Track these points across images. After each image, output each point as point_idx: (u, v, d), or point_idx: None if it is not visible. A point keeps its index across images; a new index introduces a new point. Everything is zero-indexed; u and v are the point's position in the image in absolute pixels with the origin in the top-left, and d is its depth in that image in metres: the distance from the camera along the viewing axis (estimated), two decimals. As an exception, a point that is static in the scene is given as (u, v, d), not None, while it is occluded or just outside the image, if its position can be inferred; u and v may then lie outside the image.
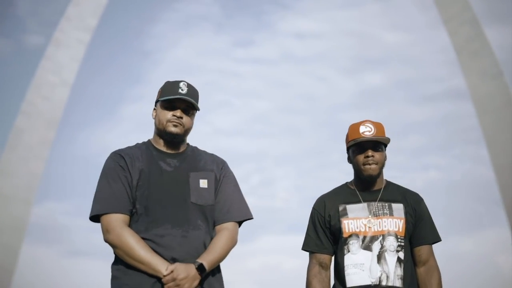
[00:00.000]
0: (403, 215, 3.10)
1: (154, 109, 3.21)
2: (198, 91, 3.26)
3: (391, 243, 3.06)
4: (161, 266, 2.86)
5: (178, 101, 3.11)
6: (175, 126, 3.09)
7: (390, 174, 3.31)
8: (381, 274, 3.02)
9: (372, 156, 3.13)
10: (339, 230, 3.12)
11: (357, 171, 3.18)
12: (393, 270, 3.02)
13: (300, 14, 31.82)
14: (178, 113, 3.11)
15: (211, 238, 3.04)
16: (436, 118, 30.20)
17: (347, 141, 3.21)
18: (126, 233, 2.92)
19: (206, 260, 2.94)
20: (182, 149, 3.18)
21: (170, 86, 3.17)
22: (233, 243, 3.09)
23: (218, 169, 3.18)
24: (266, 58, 32.43)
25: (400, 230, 3.08)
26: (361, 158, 3.14)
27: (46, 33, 17.84)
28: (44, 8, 23.76)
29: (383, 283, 3.01)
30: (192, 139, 3.28)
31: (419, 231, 3.14)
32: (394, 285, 3.01)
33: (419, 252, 3.13)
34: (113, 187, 3.00)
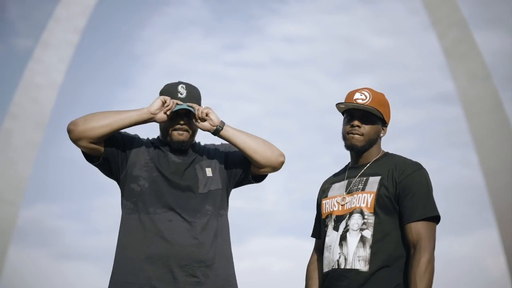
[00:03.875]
0: (375, 189, 2.70)
1: None
2: (198, 89, 3.23)
3: (355, 221, 2.69)
4: (143, 108, 2.99)
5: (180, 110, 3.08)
6: (180, 134, 3.08)
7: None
8: (339, 257, 2.68)
9: (358, 126, 2.80)
10: (320, 211, 2.91)
11: (343, 141, 2.87)
12: (353, 251, 2.65)
13: (289, 18, 31.88)
14: (182, 121, 3.08)
15: (218, 222, 3.00)
16: (425, 122, 30.32)
17: (337, 106, 2.89)
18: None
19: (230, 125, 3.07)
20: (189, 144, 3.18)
21: (169, 90, 3.14)
22: (271, 147, 3.08)
23: (220, 153, 3.17)
24: (255, 62, 32.45)
25: (369, 205, 2.68)
26: (347, 127, 2.83)
27: (35, 36, 17.76)
28: (34, 11, 23.66)
29: (341, 267, 2.67)
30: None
31: (404, 207, 2.68)
32: (353, 267, 2.63)
33: (405, 232, 2.67)
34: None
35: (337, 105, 2.88)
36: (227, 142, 3.13)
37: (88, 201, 29.84)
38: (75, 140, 2.94)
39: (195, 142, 3.22)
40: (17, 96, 16.63)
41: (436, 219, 2.70)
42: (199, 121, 3.05)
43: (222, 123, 3.05)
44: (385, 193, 2.70)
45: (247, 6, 32.16)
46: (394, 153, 2.92)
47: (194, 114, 3.08)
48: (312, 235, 3.03)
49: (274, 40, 31.98)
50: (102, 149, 3.00)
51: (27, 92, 16.77)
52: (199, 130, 3.13)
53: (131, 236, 2.94)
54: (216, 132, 3.04)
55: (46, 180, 26.73)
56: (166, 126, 3.10)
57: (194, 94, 3.17)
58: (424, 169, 2.78)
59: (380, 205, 2.69)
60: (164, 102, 3.01)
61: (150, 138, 3.21)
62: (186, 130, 3.08)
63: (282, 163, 3.08)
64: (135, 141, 3.13)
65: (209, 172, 3.07)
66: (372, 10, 30.01)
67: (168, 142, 3.11)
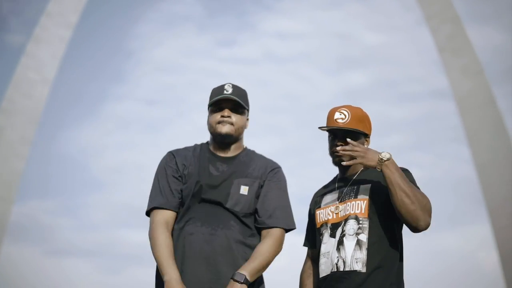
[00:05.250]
0: (367, 196, 2.88)
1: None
2: (245, 91, 3.27)
3: (351, 226, 2.86)
4: (169, 270, 2.89)
5: (224, 102, 3.13)
6: (223, 125, 3.11)
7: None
8: (338, 260, 2.84)
9: (341, 144, 2.94)
10: (314, 221, 3.05)
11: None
12: (350, 254, 2.81)
13: (282, 14, 31.85)
14: (226, 112, 3.12)
15: (245, 240, 3.02)
16: (418, 117, 30.39)
17: (321, 127, 3.06)
18: (159, 230, 3.01)
19: (248, 269, 2.91)
20: (236, 152, 3.19)
21: (216, 90, 3.20)
22: (278, 250, 3.05)
23: (265, 174, 3.15)
24: (248, 57, 32.41)
25: (363, 211, 2.86)
26: (331, 145, 3.01)
27: (28, 31, 17.69)
28: (26, 6, 23.54)
29: (340, 269, 2.82)
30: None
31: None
32: (352, 269, 2.80)
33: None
34: (161, 184, 3.10)
35: (320, 128, 3.04)
36: (276, 163, 3.23)
37: (81, 197, 29.81)
38: None
39: (249, 150, 3.24)
40: (9, 92, 16.56)
41: None
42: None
43: (246, 281, 2.89)
44: (377, 199, 2.87)
45: (240, 2, 32.14)
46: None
47: (240, 108, 3.14)
48: (304, 244, 3.18)
49: (268, 36, 31.98)
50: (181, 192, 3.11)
51: (20, 88, 16.70)
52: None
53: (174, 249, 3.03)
54: (248, 283, 2.93)
55: (39, 176, 26.68)
56: (211, 122, 3.15)
57: (240, 93, 3.20)
58: (410, 173, 2.95)
59: (373, 210, 2.86)
60: None
61: (198, 144, 3.24)
62: (230, 123, 3.11)
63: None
64: (179, 165, 3.14)
65: (244, 190, 3.07)
66: (366, 6, 30.04)
67: (213, 136, 3.16)
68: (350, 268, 2.80)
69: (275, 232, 3.05)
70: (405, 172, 2.89)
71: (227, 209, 3.02)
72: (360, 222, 2.85)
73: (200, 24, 31.69)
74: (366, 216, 2.85)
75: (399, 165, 2.86)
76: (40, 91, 16.94)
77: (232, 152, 3.17)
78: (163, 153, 3.25)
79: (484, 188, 15.60)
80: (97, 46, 31.87)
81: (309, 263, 3.12)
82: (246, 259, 2.97)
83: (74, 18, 17.55)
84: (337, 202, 2.96)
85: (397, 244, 2.88)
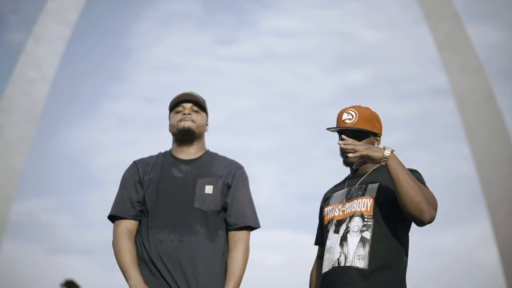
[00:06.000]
0: (374, 194, 2.89)
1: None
2: (204, 99, 3.37)
3: (355, 223, 2.87)
4: (132, 274, 3.00)
5: (184, 102, 3.25)
6: (185, 121, 3.19)
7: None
8: (340, 256, 2.84)
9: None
10: (322, 219, 3.09)
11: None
12: (353, 250, 2.82)
13: (281, 12, 31.83)
14: (186, 110, 3.23)
15: (212, 243, 3.07)
16: (417, 115, 30.39)
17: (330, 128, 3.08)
18: (122, 238, 3.11)
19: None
20: (198, 154, 3.25)
21: (176, 96, 3.30)
22: (247, 255, 3.16)
23: (230, 174, 3.21)
24: (248, 56, 32.38)
25: (368, 209, 2.87)
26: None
27: (27, 29, 17.67)
28: (25, 4, 23.52)
29: (342, 264, 2.83)
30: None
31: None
32: (353, 265, 2.80)
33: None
34: (122, 194, 3.18)
35: (328, 129, 3.06)
36: (239, 163, 3.28)
37: (81, 195, 29.81)
38: None
39: (209, 152, 3.30)
40: (8, 90, 16.55)
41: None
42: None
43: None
44: (383, 198, 2.88)
45: (239, 0, 32.09)
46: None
47: (199, 109, 3.26)
48: (315, 243, 3.20)
49: (267, 34, 31.96)
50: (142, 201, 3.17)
51: (19, 86, 16.70)
52: (206, 128, 3.31)
53: (138, 259, 3.09)
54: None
55: (38, 175, 26.67)
56: (173, 122, 3.25)
57: (199, 97, 3.31)
58: (420, 173, 2.94)
59: (379, 209, 2.87)
60: None
61: (162, 152, 3.31)
62: (191, 120, 3.20)
63: None
64: (142, 169, 3.22)
65: (208, 189, 3.13)
66: (365, 4, 30.02)
67: (176, 136, 3.24)
68: (351, 264, 2.80)
69: (244, 236, 3.17)
70: (414, 172, 2.89)
71: (195, 209, 3.07)
72: (365, 220, 2.87)
73: (199, 23, 31.67)
74: (371, 214, 2.87)
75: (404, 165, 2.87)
76: (40, 89, 16.94)
77: (194, 154, 3.24)
78: (162, 151, 3.31)
79: (483, 185, 15.62)
80: (96, 44, 31.87)
81: (319, 261, 3.12)
82: (213, 261, 3.06)
83: (73, 16, 17.55)
84: (345, 200, 2.99)
85: (401, 244, 2.88)
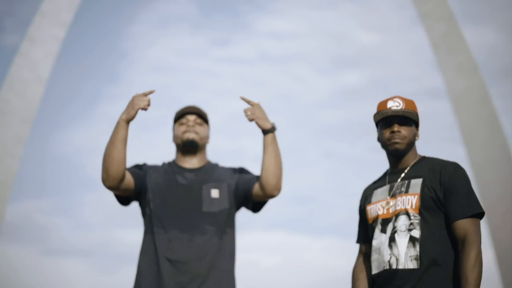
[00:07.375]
0: (418, 191, 2.82)
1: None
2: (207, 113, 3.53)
3: (402, 222, 2.80)
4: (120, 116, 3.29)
5: (187, 114, 3.40)
6: (190, 133, 3.33)
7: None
8: (390, 258, 2.79)
9: (398, 131, 2.93)
10: (366, 217, 3.04)
11: (384, 148, 3.01)
12: (404, 252, 2.76)
13: (276, 14, 31.80)
14: (190, 122, 3.36)
15: (220, 240, 3.15)
16: (413, 115, 30.39)
17: (374, 116, 3.02)
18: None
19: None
20: (201, 164, 3.38)
21: (180, 109, 3.45)
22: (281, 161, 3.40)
23: (233, 176, 3.35)
24: (243, 57, 32.38)
25: (414, 207, 2.80)
26: (387, 133, 2.96)
27: (22, 31, 17.63)
28: (19, 6, 23.46)
29: (393, 267, 2.77)
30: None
31: (449, 207, 2.80)
32: (406, 267, 2.74)
33: (453, 230, 2.78)
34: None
35: (375, 115, 3.01)
36: (243, 166, 3.41)
37: (77, 197, 29.72)
38: (111, 183, 3.18)
39: (211, 162, 3.42)
40: (3, 91, 16.49)
41: (479, 215, 2.85)
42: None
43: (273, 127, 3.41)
44: (429, 193, 2.82)
45: (235, 2, 32.07)
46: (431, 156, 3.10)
47: (202, 118, 3.43)
48: (357, 241, 3.16)
49: (262, 36, 31.96)
50: (133, 187, 3.24)
51: (14, 87, 16.63)
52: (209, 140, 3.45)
53: (143, 256, 3.18)
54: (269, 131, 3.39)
55: (34, 176, 26.59)
56: (177, 133, 3.38)
57: (202, 110, 3.47)
58: (463, 169, 2.96)
59: (425, 205, 2.81)
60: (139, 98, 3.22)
61: (166, 162, 3.42)
62: (195, 131, 3.34)
63: (279, 190, 3.39)
64: (149, 169, 3.34)
65: (215, 193, 3.24)
66: (360, 5, 30.03)
67: (180, 147, 3.36)
68: (404, 266, 2.75)
69: None
70: (453, 173, 2.88)
71: (204, 213, 3.16)
72: (412, 218, 2.80)
73: (194, 24, 31.66)
74: (417, 211, 2.80)
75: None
76: (34, 91, 16.88)
77: (197, 164, 3.37)
78: (158, 153, 3.46)
79: (480, 187, 15.62)
80: (91, 46, 31.79)
81: (361, 258, 3.09)
82: (221, 258, 3.13)
83: (68, 17, 17.50)
84: (388, 197, 2.92)
85: (450, 240, 2.80)
